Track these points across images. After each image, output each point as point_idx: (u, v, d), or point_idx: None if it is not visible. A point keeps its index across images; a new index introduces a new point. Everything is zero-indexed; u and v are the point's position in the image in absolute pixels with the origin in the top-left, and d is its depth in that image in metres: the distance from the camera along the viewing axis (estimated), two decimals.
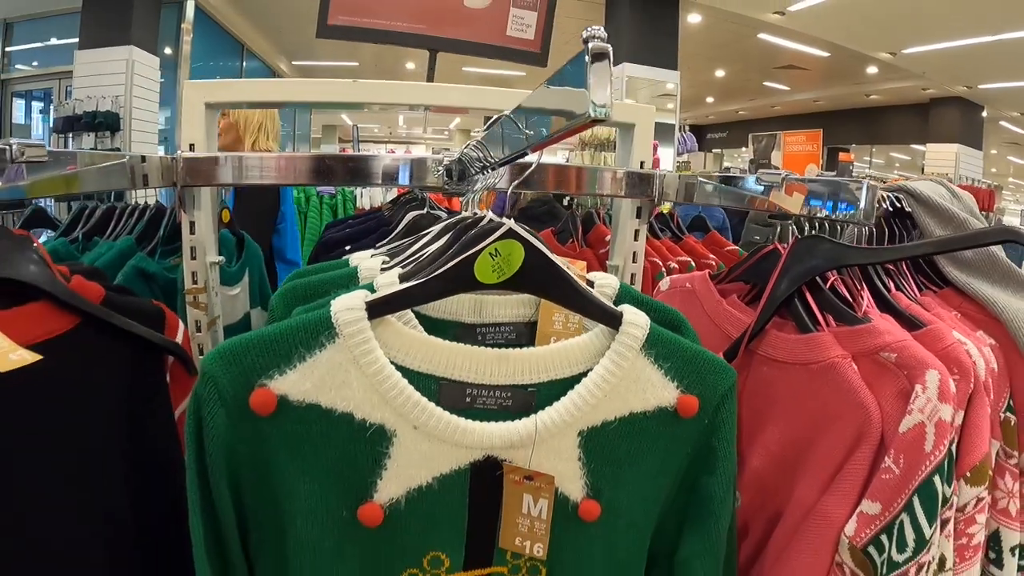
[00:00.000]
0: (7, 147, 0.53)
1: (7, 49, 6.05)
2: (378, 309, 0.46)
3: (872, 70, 7.41)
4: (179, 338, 0.60)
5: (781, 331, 0.61)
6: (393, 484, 0.47)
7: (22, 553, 0.49)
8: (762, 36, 6.54)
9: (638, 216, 0.74)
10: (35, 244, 0.55)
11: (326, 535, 0.47)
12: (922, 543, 0.52)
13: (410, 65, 7.97)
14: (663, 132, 4.52)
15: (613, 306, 0.49)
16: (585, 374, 0.48)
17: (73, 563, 0.51)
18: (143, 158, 0.69)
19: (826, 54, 6.93)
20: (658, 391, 0.49)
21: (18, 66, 6.13)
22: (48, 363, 0.49)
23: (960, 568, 0.62)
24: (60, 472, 0.51)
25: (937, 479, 0.52)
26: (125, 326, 0.54)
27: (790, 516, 0.59)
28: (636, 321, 0.48)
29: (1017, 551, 0.68)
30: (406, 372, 0.46)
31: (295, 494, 0.46)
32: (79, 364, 0.52)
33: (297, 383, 0.45)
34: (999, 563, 0.68)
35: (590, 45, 0.33)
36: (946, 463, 0.53)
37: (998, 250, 0.70)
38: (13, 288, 0.50)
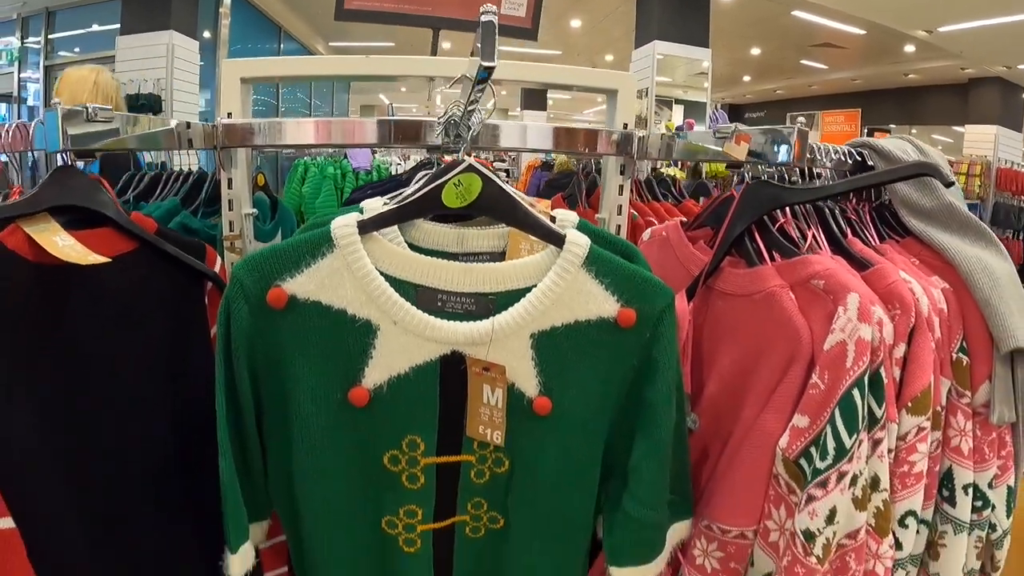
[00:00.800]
0: (84, 108, 0.73)
1: (50, 36, 6.65)
2: (366, 226, 0.62)
3: (909, 48, 7.55)
4: (217, 269, 0.78)
5: (735, 268, 0.75)
6: (377, 371, 0.63)
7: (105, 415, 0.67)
8: (796, 13, 6.69)
9: (622, 173, 0.88)
10: (104, 185, 0.74)
11: (322, 413, 0.64)
12: (842, 452, 0.64)
13: (446, 44, 8.28)
14: (696, 110, 4.68)
15: (559, 230, 0.64)
16: (536, 286, 0.63)
17: (138, 445, 0.70)
18: (188, 124, 0.89)
19: (862, 32, 7.06)
20: (600, 303, 0.63)
21: (61, 53, 6.72)
22: (114, 274, 0.69)
23: (902, 495, 0.74)
24: (130, 364, 0.69)
25: (856, 392, 0.64)
26: (174, 253, 0.73)
27: (736, 434, 0.72)
28: (577, 241, 0.62)
29: (971, 490, 0.78)
30: (390, 279, 0.63)
31: (299, 376, 0.63)
32: (138, 280, 0.71)
33: (303, 284, 0.62)
34: (952, 501, 0.79)
35: (482, 18, 0.49)
36: (866, 379, 0.64)
37: (955, 201, 0.80)
38: (86, 215, 0.69)
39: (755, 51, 8.77)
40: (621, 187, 0.87)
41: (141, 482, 0.70)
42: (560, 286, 0.62)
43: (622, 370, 0.66)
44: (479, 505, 0.71)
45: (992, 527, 0.82)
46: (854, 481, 0.66)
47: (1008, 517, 0.83)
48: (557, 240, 0.63)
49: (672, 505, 0.72)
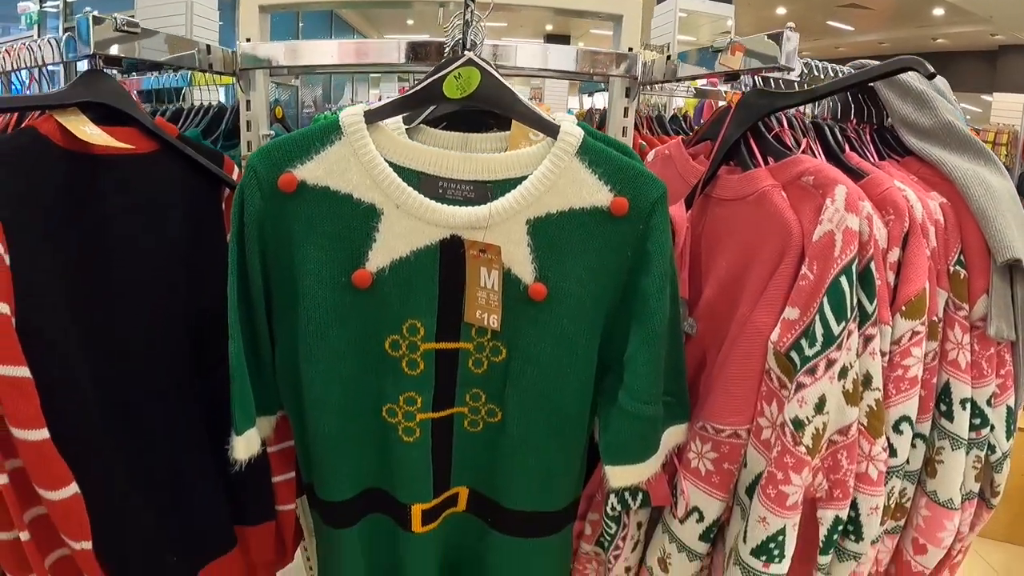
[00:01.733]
0: (113, 18, 0.78)
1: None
2: (373, 115, 0.66)
3: (938, 12, 7.63)
4: (234, 176, 0.83)
5: (731, 175, 0.77)
6: (380, 255, 0.67)
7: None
8: None
9: (627, 96, 0.91)
10: (130, 92, 0.79)
11: (328, 296, 0.67)
12: (830, 339, 0.66)
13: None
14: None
15: (554, 121, 0.67)
16: (532, 174, 0.66)
17: (164, 332, 0.75)
18: (208, 48, 0.94)
19: None
20: (593, 192, 0.66)
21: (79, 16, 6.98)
22: (138, 168, 0.73)
23: (896, 399, 0.74)
24: (151, 252, 0.74)
25: (843, 279, 0.65)
26: (194, 156, 0.78)
27: (731, 334, 0.74)
28: (571, 131, 0.65)
29: (968, 405, 0.79)
30: (394, 167, 0.66)
31: (306, 260, 0.67)
32: (161, 177, 0.76)
33: (313, 170, 0.66)
34: (949, 416, 0.79)
35: None
36: (854, 267, 0.66)
37: (955, 120, 0.82)
38: (112, 114, 0.73)
39: (781, 11, 8.81)
40: (626, 109, 0.90)
41: (156, 362, 0.74)
42: (555, 173, 0.65)
43: (616, 260, 0.68)
44: (477, 397, 0.73)
45: (991, 448, 0.82)
46: (843, 373, 0.67)
47: (1008, 439, 0.83)
48: (552, 130, 0.66)
49: (668, 407, 0.74)
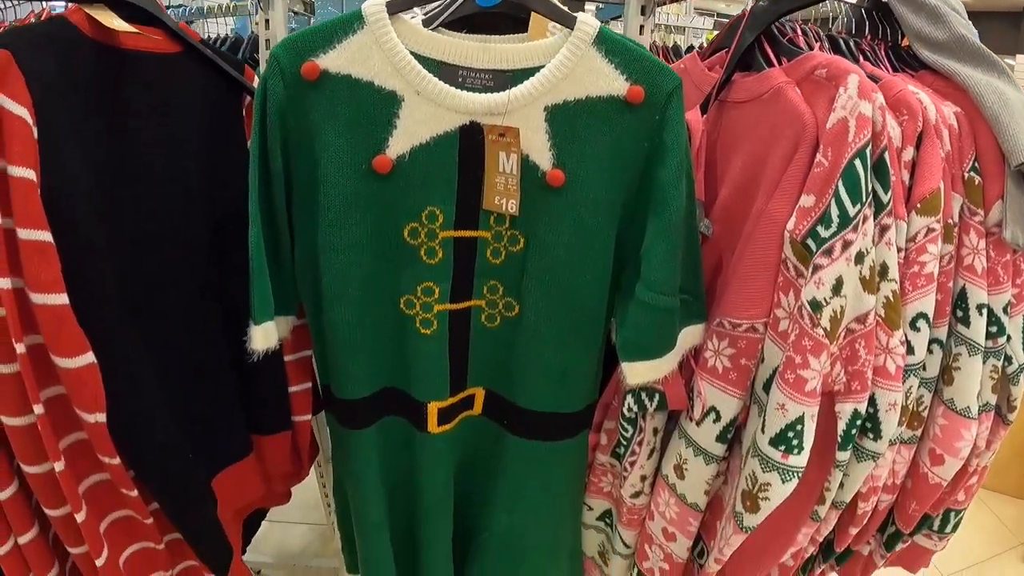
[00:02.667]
0: None
1: None
2: (394, 5, 0.67)
3: None
4: (254, 84, 0.84)
5: (745, 78, 0.78)
6: (400, 141, 0.68)
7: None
8: None
9: (643, 13, 0.92)
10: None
11: (349, 182, 0.69)
12: (846, 220, 0.66)
13: None
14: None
15: (572, 13, 0.68)
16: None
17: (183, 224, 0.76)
18: None
19: None
20: (610, 81, 0.67)
21: None
22: (163, 66, 0.75)
23: (913, 296, 0.75)
24: (174, 146, 0.75)
25: (858, 162, 0.66)
26: (217, 60, 0.80)
27: (747, 229, 0.75)
28: (588, 22, 0.66)
29: (984, 311, 0.79)
30: (415, 56, 0.67)
31: (328, 147, 0.68)
32: (184, 76, 0.77)
33: (335, 59, 0.67)
34: (966, 322, 0.79)
35: None
36: (868, 152, 0.67)
37: (968, 34, 0.83)
38: (138, 14, 0.74)
39: None
40: (642, 27, 0.91)
41: (174, 261, 0.75)
42: (572, 61, 0.66)
43: (633, 150, 0.69)
44: (495, 289, 0.74)
45: (1008, 359, 0.82)
46: (860, 258, 0.68)
47: None
48: (569, 21, 0.67)
49: (684, 305, 0.74)
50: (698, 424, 0.79)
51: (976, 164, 0.79)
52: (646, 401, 0.80)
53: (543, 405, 0.80)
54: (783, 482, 0.69)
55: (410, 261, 0.72)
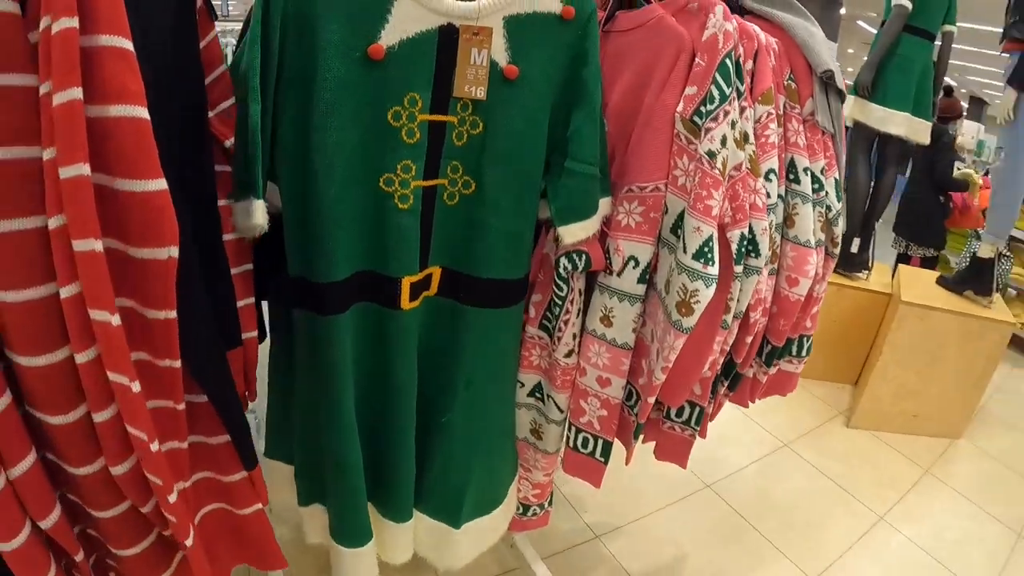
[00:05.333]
0: None
1: None
2: None
3: None
4: None
5: (627, 13, 1.06)
6: (392, 33, 0.80)
7: None
8: None
9: None
10: None
11: (344, 67, 0.77)
12: (724, 97, 0.95)
13: None
14: None
15: None
16: None
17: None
18: None
19: None
20: (550, 1, 0.88)
21: None
22: None
23: (763, 158, 1.07)
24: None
25: (728, 60, 0.95)
26: None
27: (641, 118, 1.01)
28: None
29: (808, 172, 1.14)
30: None
31: (327, 35, 0.76)
32: None
33: None
34: (797, 181, 1.13)
35: None
36: (733, 54, 0.96)
37: None
38: None
39: None
40: None
41: None
42: None
43: (564, 55, 0.90)
44: (456, 169, 0.89)
45: (828, 208, 1.18)
46: (733, 125, 0.97)
47: (839, 202, 1.19)
48: None
49: (600, 181, 0.98)
50: (619, 275, 1.03)
51: (792, 75, 1.15)
52: (577, 260, 1.01)
53: (497, 272, 0.94)
54: (706, 287, 0.95)
55: (392, 141, 0.82)
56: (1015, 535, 2.13)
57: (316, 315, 0.88)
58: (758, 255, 1.03)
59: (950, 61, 2.73)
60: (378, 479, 1.03)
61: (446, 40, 0.83)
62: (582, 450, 1.18)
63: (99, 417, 0.59)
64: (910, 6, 2.52)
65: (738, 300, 1.05)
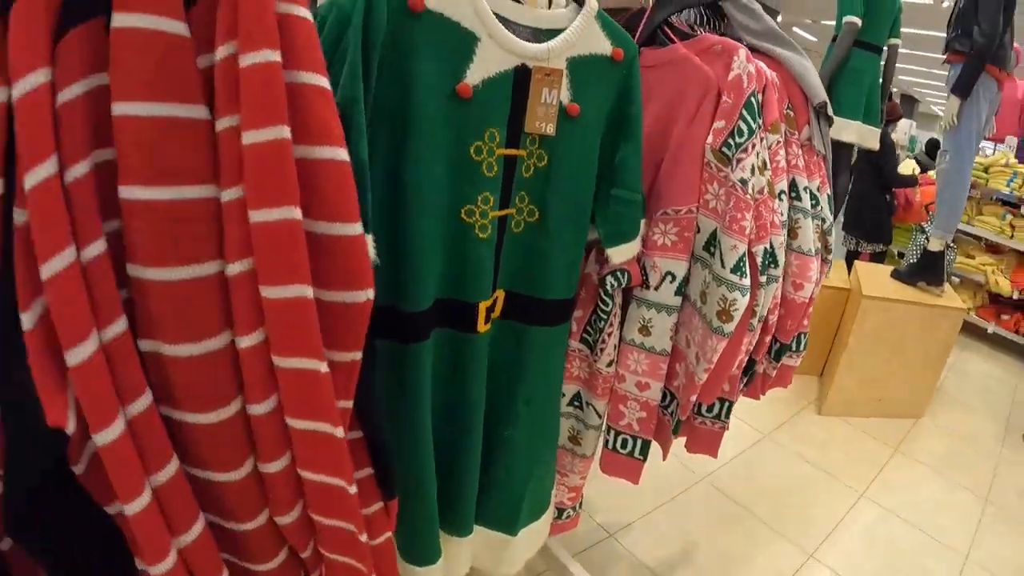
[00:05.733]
0: None
1: None
2: None
3: None
4: None
5: (653, 51, 1.19)
6: (477, 72, 0.84)
7: None
8: None
9: None
10: None
11: (433, 104, 0.82)
12: (751, 132, 1.09)
13: None
14: None
15: None
16: (568, 27, 0.97)
17: None
18: None
19: None
20: (604, 44, 1.00)
21: None
22: None
23: (776, 180, 1.21)
24: None
25: (752, 99, 1.09)
26: None
27: (672, 148, 1.14)
28: (591, 3, 1.00)
29: (807, 190, 1.29)
30: None
31: (418, 73, 0.80)
32: None
33: None
34: (799, 198, 1.28)
35: None
36: (756, 93, 1.10)
37: (774, 26, 1.34)
38: None
39: None
40: None
41: None
42: (584, 28, 0.96)
43: (614, 92, 1.01)
44: (523, 198, 0.98)
45: (823, 220, 1.33)
46: (757, 155, 1.11)
47: (831, 214, 1.35)
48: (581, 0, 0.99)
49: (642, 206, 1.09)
50: (656, 289, 1.15)
51: (790, 104, 1.29)
52: (620, 277, 1.12)
53: (557, 292, 1.02)
54: (742, 296, 1.08)
55: (474, 175, 0.88)
56: (983, 500, 2.38)
57: (400, 343, 0.91)
58: (777, 265, 1.17)
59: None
60: (443, 497, 1.06)
61: (520, 79, 0.91)
62: (621, 451, 1.29)
63: (272, 467, 0.57)
64: (860, 23, 2.76)
65: (761, 305, 1.18)
